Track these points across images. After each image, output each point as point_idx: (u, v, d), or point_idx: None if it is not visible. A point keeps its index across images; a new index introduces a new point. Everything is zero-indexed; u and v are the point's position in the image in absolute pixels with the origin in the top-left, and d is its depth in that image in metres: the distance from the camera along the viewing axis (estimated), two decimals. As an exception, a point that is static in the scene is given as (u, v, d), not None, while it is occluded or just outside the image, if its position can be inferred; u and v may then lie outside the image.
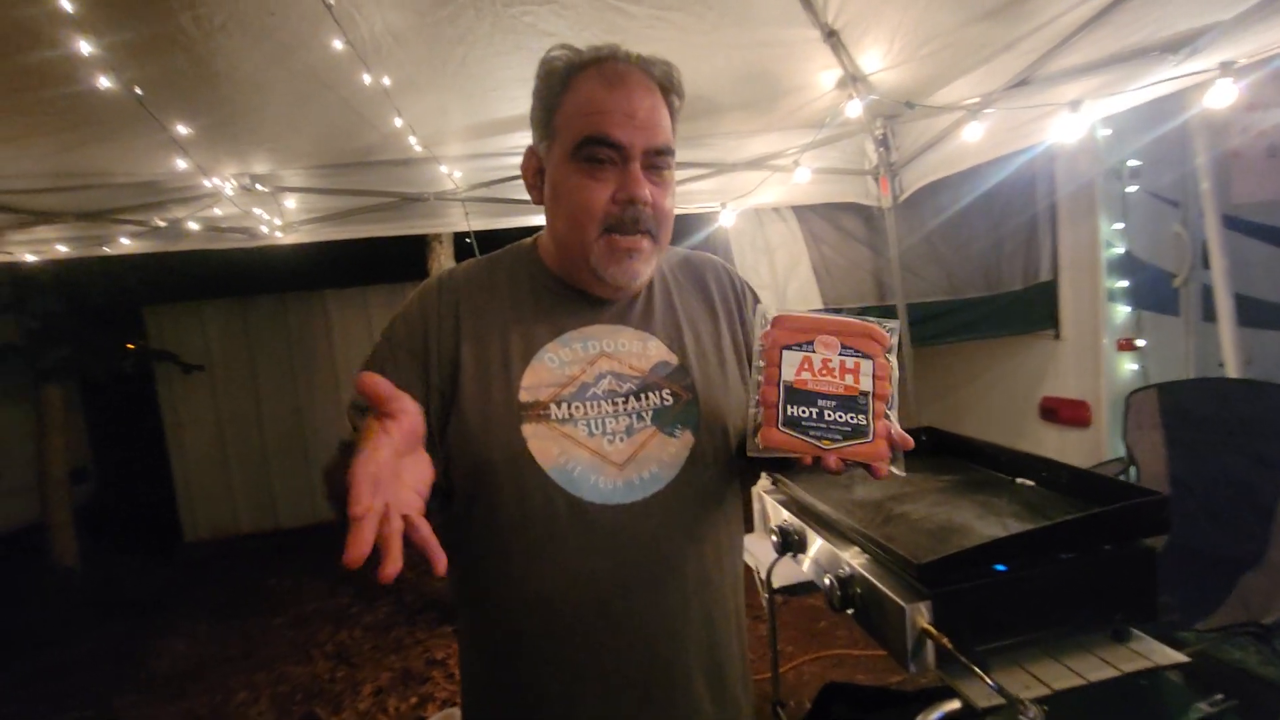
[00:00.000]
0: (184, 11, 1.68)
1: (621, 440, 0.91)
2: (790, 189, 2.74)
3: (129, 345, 5.79)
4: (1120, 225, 2.76)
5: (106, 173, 2.27)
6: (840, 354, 0.80)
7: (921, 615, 1.07)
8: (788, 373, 0.80)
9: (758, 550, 2.04)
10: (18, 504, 5.07)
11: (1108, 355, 2.76)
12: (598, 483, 0.89)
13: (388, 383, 0.65)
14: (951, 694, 1.04)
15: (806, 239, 3.05)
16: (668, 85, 0.92)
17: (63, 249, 2.38)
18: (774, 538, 1.58)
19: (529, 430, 0.88)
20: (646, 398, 0.93)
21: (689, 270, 1.08)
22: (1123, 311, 2.76)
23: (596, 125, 0.87)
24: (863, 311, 3.08)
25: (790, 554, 1.54)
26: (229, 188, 2.29)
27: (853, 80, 2.27)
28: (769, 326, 0.82)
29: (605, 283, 0.93)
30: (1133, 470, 2.61)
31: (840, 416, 0.78)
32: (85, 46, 1.44)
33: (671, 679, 0.91)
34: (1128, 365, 2.75)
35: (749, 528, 2.16)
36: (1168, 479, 2.54)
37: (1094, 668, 1.06)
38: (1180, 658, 1.05)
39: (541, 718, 0.90)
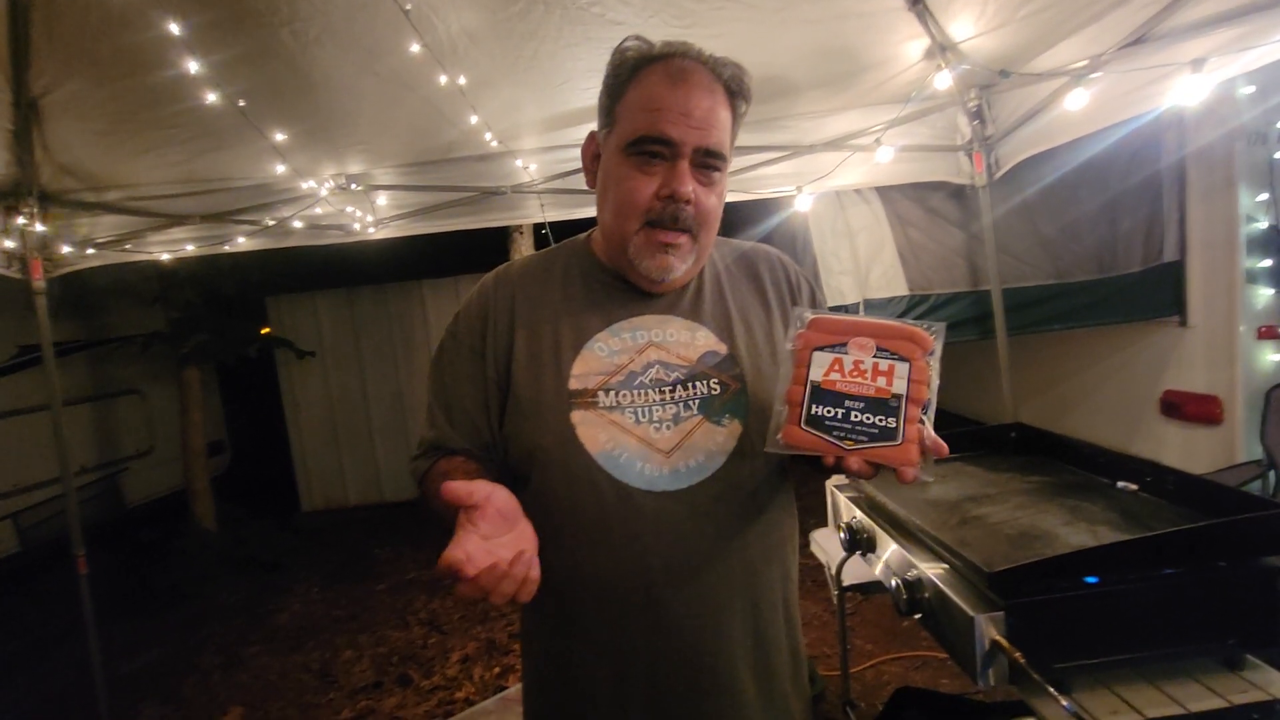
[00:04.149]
0: (283, 27, 1.83)
1: (668, 428, 0.91)
2: (872, 169, 2.60)
3: (264, 330, 6.33)
4: (1265, 196, 2.42)
5: (226, 178, 2.51)
6: (875, 356, 0.78)
7: (992, 627, 1.00)
8: (816, 373, 0.78)
9: (829, 545, 1.99)
10: (167, 472, 5.80)
11: (1244, 344, 2.44)
12: (644, 469, 0.90)
13: (463, 484, 0.71)
14: (1031, 710, 0.97)
15: (891, 221, 2.87)
16: (735, 89, 0.92)
17: (190, 248, 2.67)
18: (841, 535, 1.53)
19: (578, 417, 0.91)
20: (693, 386, 0.94)
21: (743, 262, 1.08)
22: (1265, 295, 2.42)
23: (653, 123, 0.88)
24: (954, 298, 2.90)
25: (859, 553, 1.49)
26: (324, 189, 2.47)
27: (941, 50, 2.12)
28: (804, 328, 0.81)
29: (640, 274, 0.94)
30: (1272, 475, 2.32)
31: (868, 418, 0.76)
32: (193, 65, 1.59)
33: (716, 667, 0.92)
34: (1269, 356, 2.43)
35: (820, 521, 2.11)
36: (1317, 486, 2.24)
37: (1196, 696, 0.96)
38: (1303, 692, 0.94)
39: (594, 699, 0.93)
